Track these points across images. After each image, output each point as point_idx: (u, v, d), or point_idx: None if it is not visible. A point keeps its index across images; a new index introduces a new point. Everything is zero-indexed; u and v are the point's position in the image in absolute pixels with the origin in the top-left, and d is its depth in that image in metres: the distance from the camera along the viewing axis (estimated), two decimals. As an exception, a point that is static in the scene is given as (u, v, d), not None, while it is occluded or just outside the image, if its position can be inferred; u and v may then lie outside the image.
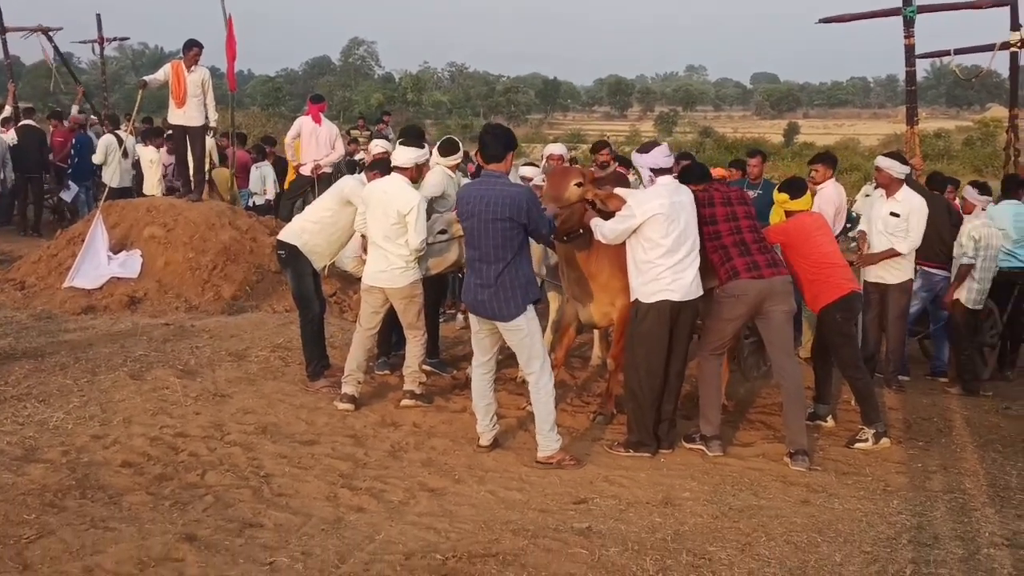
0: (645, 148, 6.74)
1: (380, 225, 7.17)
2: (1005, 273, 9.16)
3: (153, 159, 14.47)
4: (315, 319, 7.92)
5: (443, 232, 7.72)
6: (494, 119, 77.10)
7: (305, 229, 7.83)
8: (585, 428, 7.20)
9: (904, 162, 8.50)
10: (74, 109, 17.20)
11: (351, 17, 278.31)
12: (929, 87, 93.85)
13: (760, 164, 10.81)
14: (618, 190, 6.92)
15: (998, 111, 68.36)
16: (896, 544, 5.19)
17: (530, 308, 6.27)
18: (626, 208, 6.51)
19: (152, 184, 14.42)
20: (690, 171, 7.15)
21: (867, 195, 11.62)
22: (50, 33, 18.17)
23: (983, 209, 9.19)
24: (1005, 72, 12.98)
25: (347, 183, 7.90)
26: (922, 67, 13.49)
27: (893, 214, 8.23)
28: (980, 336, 9.16)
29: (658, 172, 6.56)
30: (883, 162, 8.44)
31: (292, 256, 7.82)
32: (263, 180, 15.02)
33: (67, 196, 16.14)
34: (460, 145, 8.54)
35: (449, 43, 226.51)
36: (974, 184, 9.63)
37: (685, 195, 6.59)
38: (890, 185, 8.32)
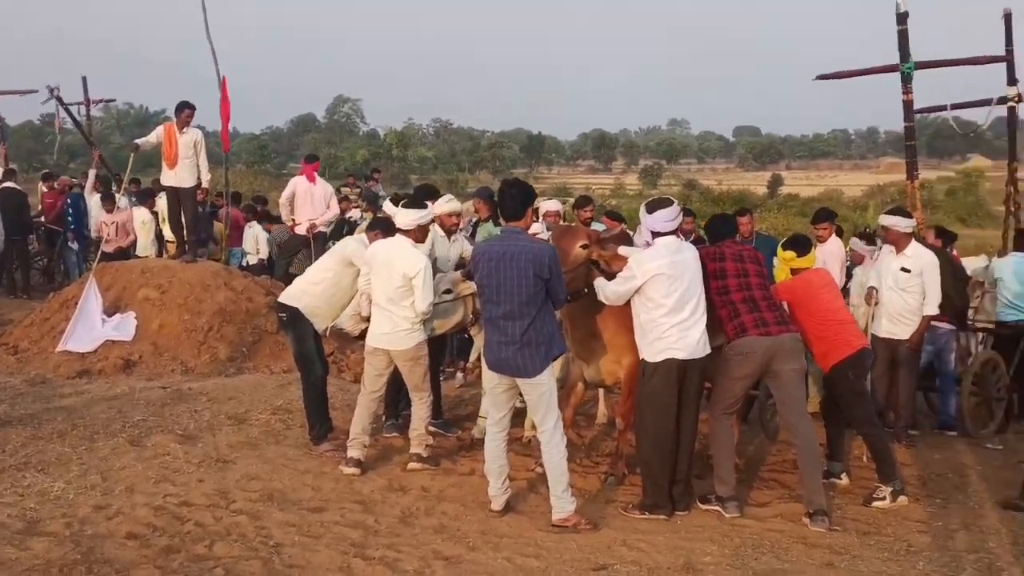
0: (651, 207, 6.56)
1: (384, 287, 7.07)
2: (1011, 326, 9.16)
3: (145, 220, 14.41)
4: (318, 381, 7.79)
5: (448, 292, 7.63)
6: (479, 175, 77.58)
7: (306, 291, 7.73)
8: (597, 489, 7.05)
9: (908, 216, 8.49)
10: (91, 173, 17.01)
11: (336, 75, 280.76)
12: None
13: (750, 222, 11.01)
14: (621, 249, 6.85)
15: (979, 161, 69.38)
16: (926, 608, 5.08)
17: (551, 364, 6.18)
18: (627, 269, 6.43)
19: (145, 245, 14.35)
20: (714, 229, 7.03)
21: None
22: (60, 96, 17.94)
23: (871, 258, 9.14)
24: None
25: (349, 245, 7.84)
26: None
27: (904, 269, 8.19)
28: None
29: (657, 235, 6.48)
30: (888, 220, 8.39)
31: (293, 319, 7.70)
32: (256, 239, 14.95)
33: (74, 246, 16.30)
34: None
35: (433, 100, 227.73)
36: (860, 235, 9.84)
37: (688, 252, 6.52)
38: (899, 241, 8.29)
